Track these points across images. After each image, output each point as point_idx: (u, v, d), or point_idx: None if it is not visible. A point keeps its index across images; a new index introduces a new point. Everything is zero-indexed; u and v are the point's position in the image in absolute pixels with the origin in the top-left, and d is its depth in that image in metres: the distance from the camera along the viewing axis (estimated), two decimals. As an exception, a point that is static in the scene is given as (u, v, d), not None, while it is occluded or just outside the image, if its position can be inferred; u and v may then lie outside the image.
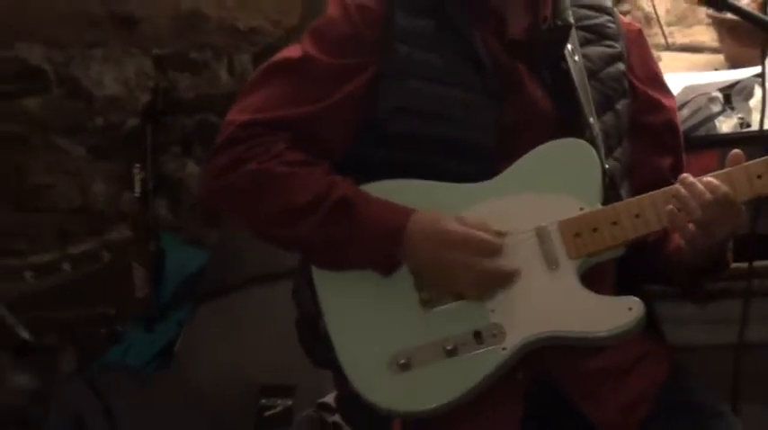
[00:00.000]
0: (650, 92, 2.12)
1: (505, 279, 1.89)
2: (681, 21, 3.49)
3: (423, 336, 1.89)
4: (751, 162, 1.80)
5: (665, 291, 2.15)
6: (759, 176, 1.76)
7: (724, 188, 1.76)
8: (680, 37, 3.40)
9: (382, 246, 1.91)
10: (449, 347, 1.86)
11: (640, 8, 3.22)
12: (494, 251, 1.87)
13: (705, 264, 1.92)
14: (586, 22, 2.11)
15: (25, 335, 2.13)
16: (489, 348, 1.87)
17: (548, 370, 1.91)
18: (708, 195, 1.76)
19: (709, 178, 1.79)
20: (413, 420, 1.86)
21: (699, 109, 2.72)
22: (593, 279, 1.90)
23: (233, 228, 3.02)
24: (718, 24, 3.24)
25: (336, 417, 2.39)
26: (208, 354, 3.24)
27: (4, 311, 2.00)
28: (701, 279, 2.01)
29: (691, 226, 1.81)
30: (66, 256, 1.76)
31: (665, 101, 2.17)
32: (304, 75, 2.01)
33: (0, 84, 3.69)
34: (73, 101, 3.71)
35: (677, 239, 1.93)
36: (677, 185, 1.82)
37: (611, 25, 2.13)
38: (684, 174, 1.84)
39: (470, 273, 1.87)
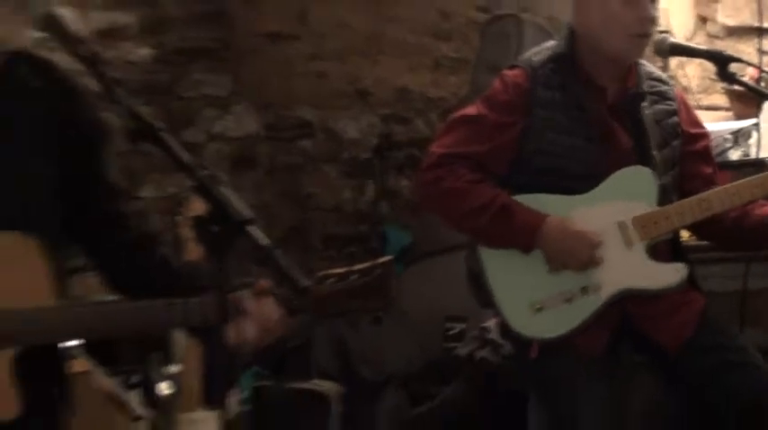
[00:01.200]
0: (693, 130, 2.75)
1: (598, 262, 2.52)
2: (705, 90, 4.02)
3: (550, 291, 2.54)
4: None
5: (698, 258, 2.84)
6: None
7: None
8: (705, 100, 3.93)
9: (525, 237, 2.55)
10: (567, 297, 2.52)
11: (679, 82, 3.60)
12: (595, 244, 2.53)
13: None
14: (654, 89, 2.72)
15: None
16: (591, 297, 2.53)
17: (625, 310, 2.57)
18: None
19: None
20: (544, 343, 2.55)
21: (718, 145, 3.39)
22: (656, 252, 2.57)
23: (429, 219, 4.05)
24: (729, 92, 4.04)
25: (492, 336, 3.46)
26: (413, 297, 4.15)
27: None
28: None
29: None
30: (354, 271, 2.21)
31: (702, 133, 2.81)
32: (477, 125, 2.65)
33: (286, 131, 4.96)
34: (330, 142, 5.00)
35: (755, 216, 2.66)
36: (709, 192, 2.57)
37: (669, 92, 2.76)
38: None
39: (577, 256, 2.53)
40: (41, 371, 2.00)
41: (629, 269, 2.62)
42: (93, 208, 2.17)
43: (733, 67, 2.78)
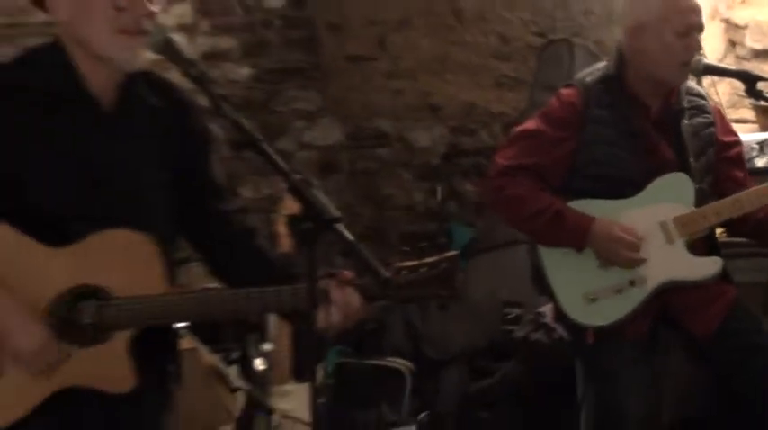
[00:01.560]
0: (726, 139, 2.89)
1: (638, 262, 2.67)
2: (733, 105, 4.04)
3: (601, 283, 2.69)
4: None
5: (729, 253, 2.94)
6: None
7: None
8: (733, 114, 3.92)
9: (576, 238, 2.71)
10: (617, 289, 2.66)
11: (710, 98, 3.30)
12: (633, 245, 2.67)
13: None
14: (693, 104, 2.86)
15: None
16: (639, 289, 2.69)
17: (665, 300, 2.71)
18: None
19: None
20: (598, 329, 2.69)
21: (745, 153, 3.29)
22: (694, 248, 2.71)
23: (489, 218, 4.41)
24: (756, 108, 4.12)
25: (546, 320, 3.59)
26: (475, 285, 4.37)
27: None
28: None
29: None
30: (424, 264, 2.18)
31: (735, 141, 2.94)
32: (536, 140, 2.80)
33: (366, 140, 5.30)
34: (404, 150, 5.27)
35: None
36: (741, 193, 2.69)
37: (706, 105, 2.90)
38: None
39: (620, 256, 2.67)
40: (157, 349, 2.16)
41: (672, 263, 2.75)
42: (200, 206, 2.28)
43: (759, 85, 2.91)
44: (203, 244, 2.30)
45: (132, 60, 2.13)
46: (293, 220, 1.94)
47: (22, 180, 2.12)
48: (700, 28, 2.82)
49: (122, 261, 2.19)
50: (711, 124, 2.87)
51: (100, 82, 2.15)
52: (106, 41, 2.08)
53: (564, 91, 2.89)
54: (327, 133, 5.18)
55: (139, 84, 2.20)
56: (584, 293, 2.73)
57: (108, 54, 2.09)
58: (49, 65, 2.17)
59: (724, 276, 2.79)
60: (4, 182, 2.11)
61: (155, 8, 2.11)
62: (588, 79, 2.88)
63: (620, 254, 2.70)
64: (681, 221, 2.75)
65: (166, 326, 2.26)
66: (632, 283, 2.72)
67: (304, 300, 2.03)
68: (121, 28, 2.05)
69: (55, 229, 2.14)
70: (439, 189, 4.96)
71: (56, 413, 2.16)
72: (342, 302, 2.08)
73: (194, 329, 3.50)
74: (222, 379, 3.76)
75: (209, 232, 2.31)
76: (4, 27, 4.35)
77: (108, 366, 2.22)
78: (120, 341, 2.12)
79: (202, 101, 2.20)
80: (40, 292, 2.14)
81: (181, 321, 2.53)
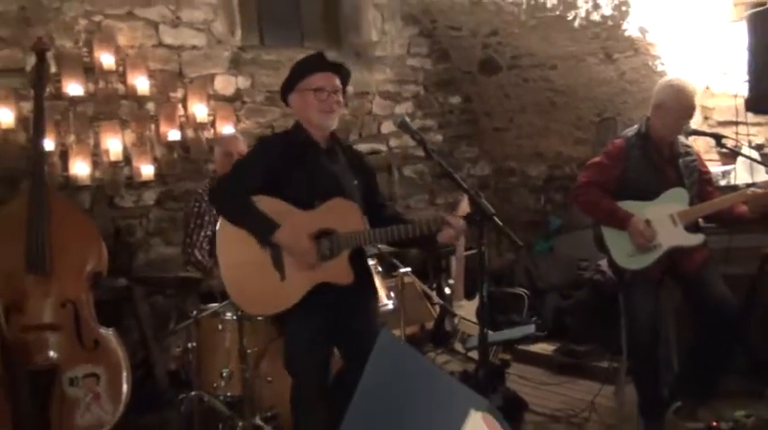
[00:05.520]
0: (704, 169, 3.21)
1: (651, 245, 2.99)
2: (707, 151, 3.96)
3: (635, 248, 3.08)
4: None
5: (709, 228, 3.21)
6: None
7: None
8: (706, 156, 3.69)
9: (622, 225, 3.06)
10: (645, 250, 3.05)
11: (694, 146, 3.37)
12: (647, 233, 2.99)
13: (752, 218, 3.00)
14: (685, 149, 3.18)
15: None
16: (657, 251, 3.06)
17: (672, 258, 3.05)
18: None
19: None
20: (633, 272, 3.05)
21: (714, 178, 3.48)
22: (688, 228, 3.04)
23: (570, 212, 5.03)
24: (720, 153, 4.10)
25: (603, 268, 3.98)
26: (563, 249, 5.22)
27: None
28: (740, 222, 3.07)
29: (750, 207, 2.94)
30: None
31: (708, 170, 3.25)
32: (601, 167, 3.16)
33: (503, 172, 5.84)
34: (522, 177, 5.86)
35: (741, 210, 3.01)
36: (744, 191, 2.96)
37: (692, 151, 3.21)
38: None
39: (639, 240, 3.02)
40: (359, 262, 2.64)
41: (676, 236, 3.08)
42: (372, 201, 2.80)
43: (723, 140, 3.23)
44: (371, 218, 2.71)
45: (331, 125, 2.70)
46: (469, 215, 2.41)
47: (286, 180, 2.62)
48: (691, 116, 3.19)
49: (342, 215, 2.60)
50: (695, 161, 3.18)
51: (318, 136, 2.70)
52: (316, 117, 2.68)
53: (615, 141, 3.24)
54: (482, 170, 6.12)
55: (335, 140, 2.75)
56: (627, 252, 3.12)
57: (317, 122, 2.69)
58: (297, 130, 2.74)
59: (703, 244, 3.12)
60: (279, 181, 2.62)
61: (339, 98, 2.65)
62: (629, 134, 3.21)
63: (639, 240, 3.08)
64: (681, 214, 3.07)
65: (363, 248, 2.70)
66: (654, 247, 3.08)
67: (427, 228, 2.51)
68: (322, 110, 2.64)
69: (303, 204, 2.60)
70: (542, 198, 5.67)
71: (312, 298, 2.61)
72: (455, 225, 2.48)
73: (415, 273, 4.30)
74: (428, 296, 4.60)
75: (376, 211, 2.78)
76: (265, 104, 4.91)
77: (339, 270, 2.61)
78: (344, 256, 2.56)
79: (419, 151, 3.17)
80: (305, 231, 2.57)
81: (372, 244, 2.91)
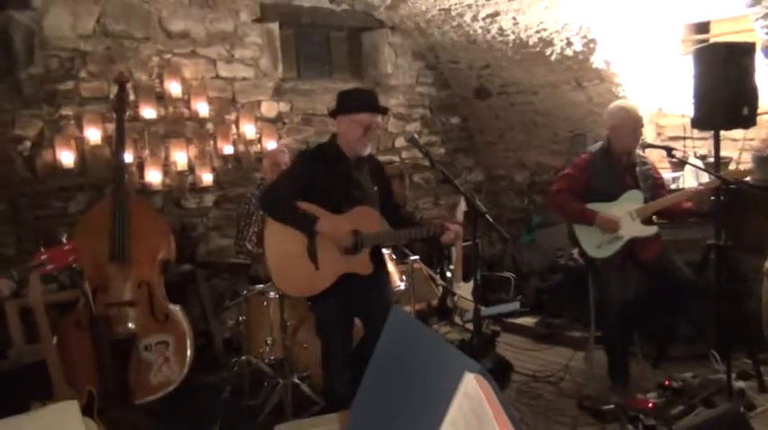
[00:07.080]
0: (657, 175, 3.18)
1: (617, 232, 2.96)
2: (660, 161, 3.84)
3: (603, 239, 3.05)
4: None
5: (661, 224, 3.17)
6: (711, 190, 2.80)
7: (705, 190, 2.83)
8: (659, 165, 3.55)
9: (589, 222, 3.04)
10: (609, 241, 3.04)
11: (648, 157, 3.34)
12: (614, 219, 2.96)
13: (696, 214, 3.00)
14: (641, 160, 3.16)
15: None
16: (619, 241, 3.05)
17: (631, 247, 3.02)
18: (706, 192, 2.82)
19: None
20: (601, 260, 3.02)
21: (665, 182, 3.42)
22: (644, 222, 3.02)
23: (548, 211, 4.87)
24: (670, 162, 4.10)
25: (575, 256, 3.89)
26: (543, 240, 4.94)
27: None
28: (691, 217, 3.05)
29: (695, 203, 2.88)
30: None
31: (660, 176, 3.21)
32: (570, 177, 3.14)
33: (494, 179, 5.69)
34: (510, 181, 5.74)
35: (687, 206, 2.97)
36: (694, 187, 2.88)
37: (647, 161, 3.19)
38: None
39: (608, 230, 2.99)
40: (377, 257, 2.64)
41: (635, 229, 3.08)
42: (388, 203, 2.77)
43: (673, 152, 3.18)
44: (387, 216, 2.71)
45: (365, 153, 2.67)
46: (466, 214, 2.68)
47: (321, 186, 2.60)
48: (642, 126, 3.16)
49: (365, 219, 2.60)
50: (650, 169, 3.20)
51: (349, 152, 2.67)
52: (356, 146, 2.64)
53: (582, 155, 3.24)
54: (476, 177, 6.01)
55: (363, 159, 2.69)
56: (595, 244, 3.13)
57: (354, 148, 2.66)
58: (332, 145, 2.69)
59: (657, 235, 3.11)
60: (315, 187, 2.59)
61: (377, 132, 2.50)
62: (594, 149, 3.21)
63: (608, 229, 3.08)
64: (638, 210, 3.09)
65: (380, 246, 2.70)
66: (617, 239, 3.10)
67: (432, 232, 2.54)
68: (362, 142, 2.61)
69: (334, 207, 2.58)
70: (525, 199, 5.54)
71: (339, 284, 2.60)
72: (452, 228, 2.54)
73: (421, 258, 4.17)
74: (432, 279, 4.53)
75: (391, 212, 2.77)
76: (301, 124, 4.83)
77: (361, 262, 2.62)
78: (365, 251, 2.59)
79: (425, 161, 2.77)
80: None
81: (389, 243, 3.07)
